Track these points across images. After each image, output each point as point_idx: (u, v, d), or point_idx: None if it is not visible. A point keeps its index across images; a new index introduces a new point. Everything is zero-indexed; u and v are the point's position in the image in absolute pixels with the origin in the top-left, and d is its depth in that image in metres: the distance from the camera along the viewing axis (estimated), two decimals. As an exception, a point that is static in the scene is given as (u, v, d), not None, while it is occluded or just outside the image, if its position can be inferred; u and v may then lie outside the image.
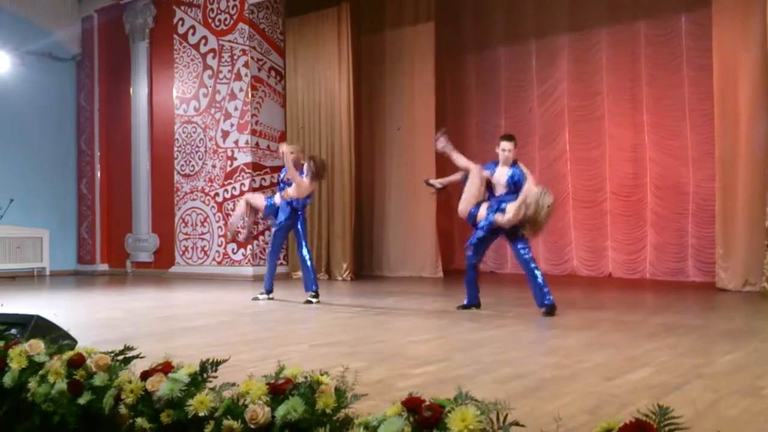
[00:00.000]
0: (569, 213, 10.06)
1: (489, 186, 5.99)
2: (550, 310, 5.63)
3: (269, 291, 7.21)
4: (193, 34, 11.19)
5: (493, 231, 5.92)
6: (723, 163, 7.58)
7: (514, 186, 5.84)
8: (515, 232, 5.82)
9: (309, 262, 7.01)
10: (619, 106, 9.62)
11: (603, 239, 9.77)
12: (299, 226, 7.10)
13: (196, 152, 11.14)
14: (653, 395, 2.80)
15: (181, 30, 11.34)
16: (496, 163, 6.00)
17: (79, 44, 12.74)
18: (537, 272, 5.80)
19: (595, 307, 6.40)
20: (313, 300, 6.78)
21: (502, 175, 5.92)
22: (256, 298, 7.12)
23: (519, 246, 5.85)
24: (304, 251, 7.06)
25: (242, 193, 10.41)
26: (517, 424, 1.72)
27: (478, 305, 6.07)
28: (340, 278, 10.04)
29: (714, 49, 7.67)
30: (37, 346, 2.76)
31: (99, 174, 12.59)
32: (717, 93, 7.62)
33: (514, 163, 5.94)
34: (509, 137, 6.04)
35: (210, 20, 10.99)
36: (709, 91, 7.99)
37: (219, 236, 10.82)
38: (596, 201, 9.83)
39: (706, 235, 8.67)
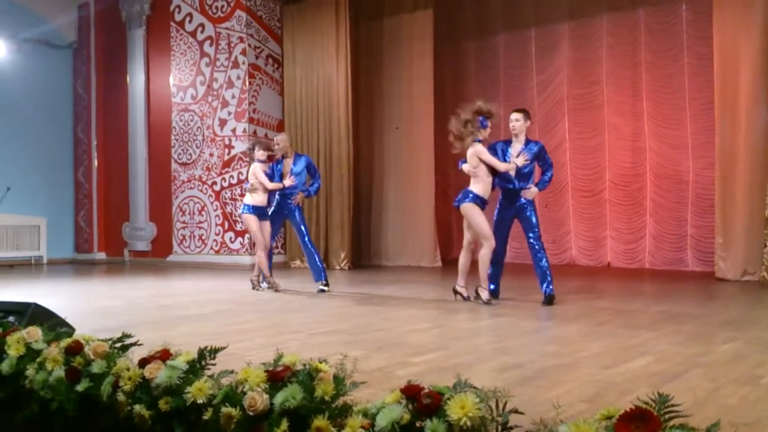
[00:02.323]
0: (568, 202, 10.05)
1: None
2: (549, 300, 5.62)
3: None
4: (190, 21, 11.12)
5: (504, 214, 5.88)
6: (723, 152, 7.55)
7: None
8: (528, 218, 5.79)
9: (314, 253, 7.05)
10: (619, 94, 9.59)
11: (602, 228, 9.77)
12: (297, 217, 7.09)
13: (194, 140, 11.10)
14: (652, 384, 2.79)
15: (178, 17, 11.26)
16: (508, 142, 5.95)
17: (75, 31, 12.66)
18: (544, 261, 5.76)
19: (594, 296, 6.40)
20: (326, 288, 6.80)
21: (515, 151, 5.84)
22: (255, 288, 7.12)
23: (528, 234, 5.82)
24: (306, 241, 7.08)
25: (240, 181, 10.40)
26: (516, 411, 1.71)
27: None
28: (338, 267, 10.04)
29: (714, 38, 7.63)
30: (34, 334, 2.75)
31: (96, 162, 12.55)
32: (717, 82, 7.58)
33: (527, 141, 5.86)
34: (518, 110, 5.97)
35: (207, 7, 10.92)
36: (710, 79, 7.96)
37: (217, 225, 10.81)
38: (595, 190, 9.82)
39: (705, 224, 8.67)
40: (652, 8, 9.28)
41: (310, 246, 7.09)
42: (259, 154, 7.05)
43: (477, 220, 5.64)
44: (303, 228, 7.11)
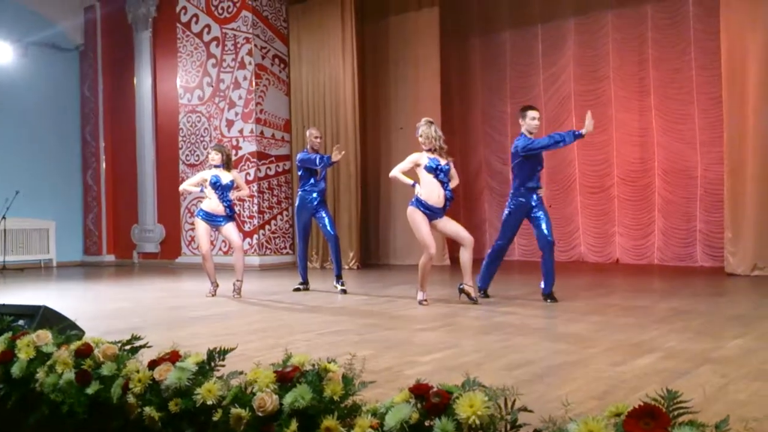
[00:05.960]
0: (576, 199, 10.02)
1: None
2: (547, 297, 5.60)
3: (305, 282, 7.13)
4: (196, 22, 11.15)
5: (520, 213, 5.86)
6: (731, 147, 7.52)
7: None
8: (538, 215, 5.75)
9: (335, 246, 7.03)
10: (626, 90, 9.55)
11: (610, 225, 9.73)
12: (323, 212, 7.00)
13: (201, 142, 11.13)
14: (662, 380, 2.78)
15: (184, 18, 11.30)
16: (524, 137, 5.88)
17: (82, 34, 12.72)
18: (549, 260, 5.71)
19: (603, 292, 6.38)
20: (341, 287, 6.79)
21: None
22: (297, 289, 7.04)
23: (540, 232, 5.78)
24: (333, 238, 7.02)
25: (248, 182, 10.42)
26: (525, 409, 1.71)
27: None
28: (346, 267, 10.03)
29: (722, 32, 7.59)
30: (44, 337, 2.77)
31: (104, 165, 12.61)
32: (725, 76, 7.54)
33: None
34: (534, 107, 5.91)
35: (213, 8, 10.94)
36: (717, 74, 7.92)
37: (225, 226, 10.82)
38: (603, 186, 9.78)
39: (714, 219, 8.62)
40: (659, 3, 9.23)
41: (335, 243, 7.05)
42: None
43: (415, 225, 5.63)
44: (330, 225, 7.01)
